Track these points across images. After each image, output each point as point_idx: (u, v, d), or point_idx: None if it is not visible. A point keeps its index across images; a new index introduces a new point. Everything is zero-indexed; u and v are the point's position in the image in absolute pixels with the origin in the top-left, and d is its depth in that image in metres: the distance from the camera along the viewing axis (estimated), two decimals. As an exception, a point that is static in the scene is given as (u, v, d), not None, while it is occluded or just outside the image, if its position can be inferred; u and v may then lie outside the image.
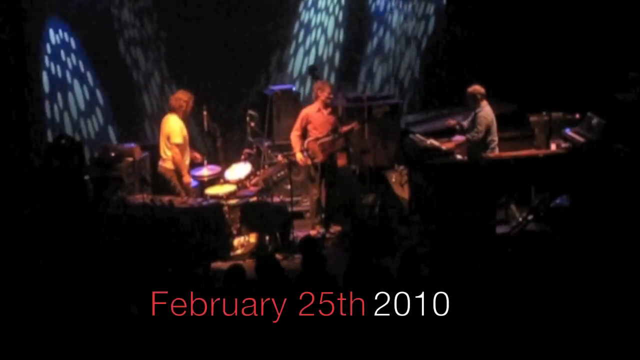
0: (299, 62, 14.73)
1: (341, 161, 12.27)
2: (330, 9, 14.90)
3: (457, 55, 14.96)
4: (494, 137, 11.58)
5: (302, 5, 14.69)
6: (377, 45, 15.14)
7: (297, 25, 14.70)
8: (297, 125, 11.91)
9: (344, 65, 15.00)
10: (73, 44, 13.11)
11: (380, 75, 15.19)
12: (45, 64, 12.54)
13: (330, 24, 14.91)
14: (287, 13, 14.62)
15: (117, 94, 13.62)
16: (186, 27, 13.89)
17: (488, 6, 14.62)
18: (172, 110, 11.66)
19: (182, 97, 11.62)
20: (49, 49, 12.65)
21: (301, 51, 14.75)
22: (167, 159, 11.61)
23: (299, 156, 11.83)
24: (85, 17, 13.24)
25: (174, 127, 11.55)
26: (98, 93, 13.44)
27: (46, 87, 12.53)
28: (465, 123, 11.85)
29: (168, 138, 11.57)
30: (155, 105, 14.03)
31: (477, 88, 11.62)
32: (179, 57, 13.99)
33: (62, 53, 12.97)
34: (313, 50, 14.81)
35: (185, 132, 11.63)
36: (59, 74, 12.82)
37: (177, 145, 11.50)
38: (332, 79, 14.70)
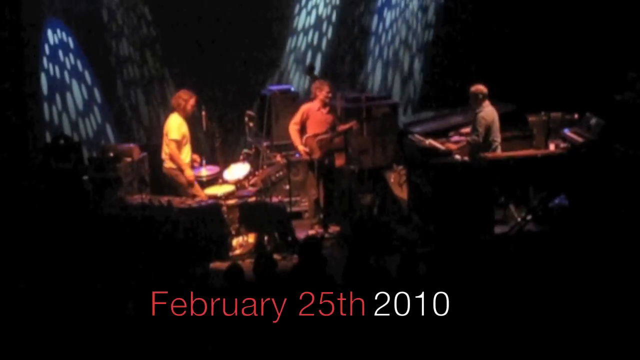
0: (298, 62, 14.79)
1: (339, 161, 12.27)
2: (325, 15, 14.92)
3: (455, 55, 14.96)
4: (496, 137, 11.52)
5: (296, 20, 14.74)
6: (376, 46, 15.15)
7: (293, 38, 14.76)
8: (297, 119, 11.91)
9: (344, 67, 15.00)
10: (71, 43, 13.10)
11: (380, 75, 15.19)
12: (43, 66, 12.53)
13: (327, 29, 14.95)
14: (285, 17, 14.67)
15: (114, 93, 13.61)
16: (184, 27, 13.87)
17: (486, 6, 14.62)
18: (173, 109, 11.76)
19: (182, 96, 11.72)
20: (47, 50, 12.64)
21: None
22: (168, 158, 11.67)
23: (300, 148, 11.83)
24: (81, 15, 13.23)
25: (172, 124, 11.67)
26: (96, 91, 13.42)
27: (45, 89, 12.52)
28: (468, 129, 11.80)
29: (167, 135, 11.64)
30: (153, 105, 14.04)
31: (479, 87, 11.56)
32: (178, 57, 13.98)
33: (61, 53, 12.96)
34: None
35: (184, 129, 11.68)
36: (58, 75, 12.81)
37: (174, 141, 11.57)
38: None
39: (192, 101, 11.72)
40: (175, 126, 11.62)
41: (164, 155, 11.75)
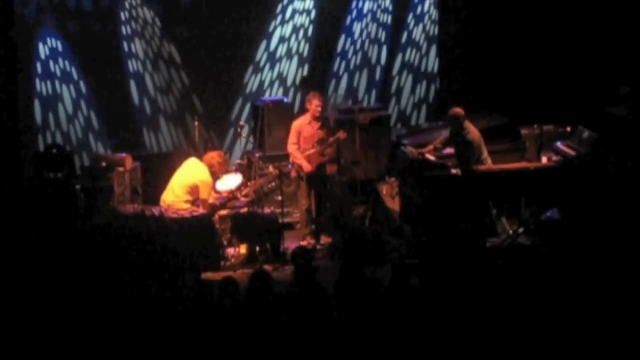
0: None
1: (330, 168, 12.25)
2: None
3: (448, 67, 14.99)
4: (485, 154, 11.51)
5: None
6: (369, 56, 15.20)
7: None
8: (294, 139, 11.85)
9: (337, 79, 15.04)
10: (60, 47, 13.13)
11: (374, 87, 15.21)
12: (37, 89, 12.57)
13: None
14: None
15: (105, 93, 13.62)
16: (181, 32, 13.92)
17: (479, 18, 14.66)
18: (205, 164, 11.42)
19: (216, 158, 11.36)
20: (39, 68, 12.69)
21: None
22: (180, 201, 11.17)
23: (306, 166, 11.76)
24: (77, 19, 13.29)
25: (208, 182, 11.25)
26: (84, 88, 13.42)
27: (38, 118, 12.58)
28: (438, 141, 11.81)
29: (195, 187, 11.20)
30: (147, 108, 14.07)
31: (457, 110, 11.42)
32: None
33: (51, 63, 12.98)
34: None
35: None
36: (50, 91, 12.87)
37: (208, 184, 11.27)
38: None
39: (224, 167, 11.53)
40: (209, 188, 11.28)
41: (173, 197, 11.16)
